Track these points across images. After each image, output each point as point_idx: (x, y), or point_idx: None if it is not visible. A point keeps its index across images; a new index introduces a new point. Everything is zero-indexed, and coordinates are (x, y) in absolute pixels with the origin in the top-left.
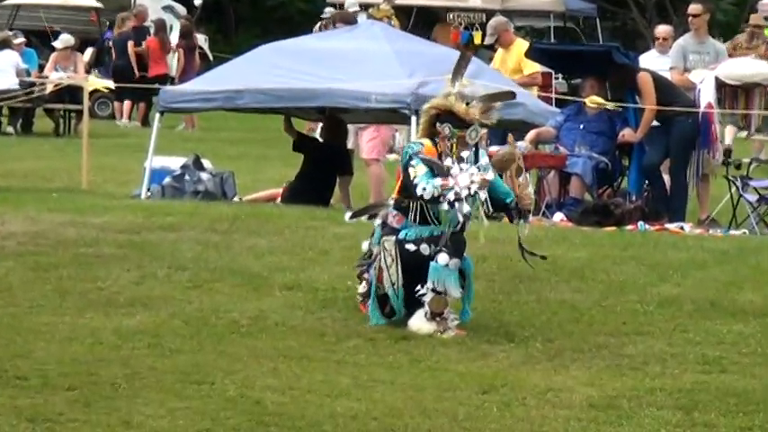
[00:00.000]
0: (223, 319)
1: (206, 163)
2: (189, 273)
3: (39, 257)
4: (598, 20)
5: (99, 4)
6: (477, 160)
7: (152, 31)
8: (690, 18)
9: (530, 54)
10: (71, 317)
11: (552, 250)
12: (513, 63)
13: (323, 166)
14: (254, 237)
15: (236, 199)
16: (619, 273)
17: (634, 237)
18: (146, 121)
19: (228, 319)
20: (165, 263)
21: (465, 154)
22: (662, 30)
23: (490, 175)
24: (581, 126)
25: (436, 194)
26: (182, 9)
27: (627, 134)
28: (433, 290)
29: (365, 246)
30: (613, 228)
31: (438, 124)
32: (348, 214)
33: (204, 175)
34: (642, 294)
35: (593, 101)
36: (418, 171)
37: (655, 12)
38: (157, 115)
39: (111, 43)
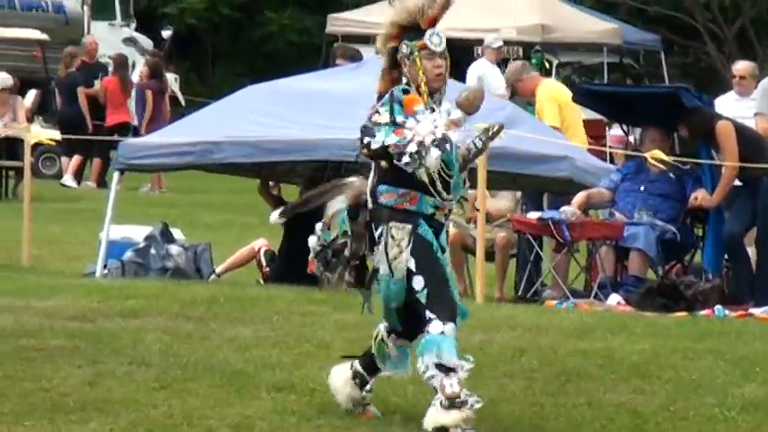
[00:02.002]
0: (197, 428)
1: (176, 233)
2: (155, 370)
3: None
4: (663, 54)
5: (44, 37)
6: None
7: (110, 68)
8: None
9: (577, 97)
10: (7, 425)
11: (608, 341)
12: (537, 111)
13: (305, 240)
14: (236, 325)
15: (213, 277)
16: (691, 369)
17: (711, 324)
18: (102, 182)
19: (204, 427)
20: (125, 358)
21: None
22: (742, 67)
23: (456, 114)
24: (642, 187)
25: (392, 148)
26: (147, 42)
27: (701, 197)
28: (437, 365)
29: (313, 241)
30: (684, 313)
31: (398, 57)
32: (276, 213)
33: (174, 249)
34: (721, 396)
35: (655, 156)
36: (378, 119)
37: (735, 45)
38: (116, 174)
39: (55, 86)
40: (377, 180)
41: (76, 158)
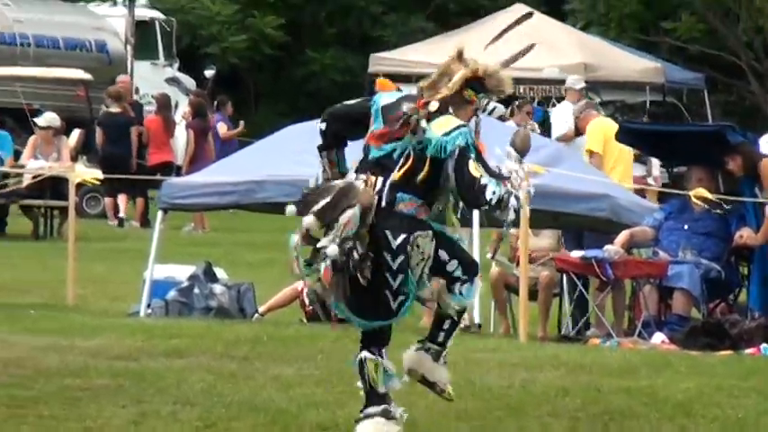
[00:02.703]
0: None
1: (219, 272)
2: (199, 409)
3: (13, 390)
4: (706, 93)
5: (88, 76)
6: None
7: (153, 108)
8: None
9: (619, 136)
10: None
11: (652, 380)
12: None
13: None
14: (279, 364)
15: (256, 317)
16: (737, 408)
17: (756, 363)
18: (145, 221)
19: None
20: (169, 397)
21: None
22: None
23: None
24: (686, 226)
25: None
26: (189, 82)
27: (746, 236)
28: (459, 312)
29: (333, 251)
30: (729, 352)
31: (467, 91)
32: (292, 207)
33: (217, 288)
34: None
35: (699, 195)
36: (481, 170)
37: None
38: (159, 213)
39: (98, 125)
40: (392, 187)
41: (122, 197)
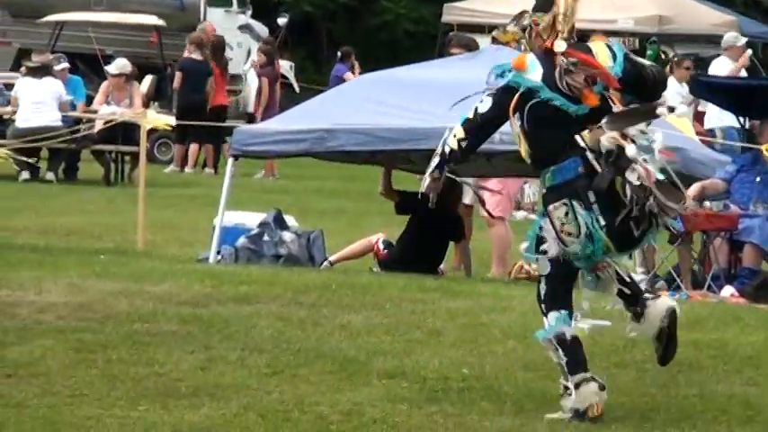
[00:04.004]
0: (308, 414)
1: (289, 220)
2: (267, 356)
3: (83, 335)
4: None
5: (161, 23)
6: None
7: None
8: None
9: (696, 89)
10: (121, 409)
11: (720, 332)
12: None
13: (432, 230)
14: (347, 312)
15: (325, 264)
16: None
17: None
18: (215, 167)
19: (315, 413)
20: (237, 343)
21: None
22: None
23: None
24: (758, 179)
25: None
26: (262, 29)
27: None
28: None
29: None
30: None
31: None
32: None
33: (287, 235)
34: None
35: None
36: None
37: None
38: (230, 160)
39: (179, 69)
40: None
41: (194, 147)
